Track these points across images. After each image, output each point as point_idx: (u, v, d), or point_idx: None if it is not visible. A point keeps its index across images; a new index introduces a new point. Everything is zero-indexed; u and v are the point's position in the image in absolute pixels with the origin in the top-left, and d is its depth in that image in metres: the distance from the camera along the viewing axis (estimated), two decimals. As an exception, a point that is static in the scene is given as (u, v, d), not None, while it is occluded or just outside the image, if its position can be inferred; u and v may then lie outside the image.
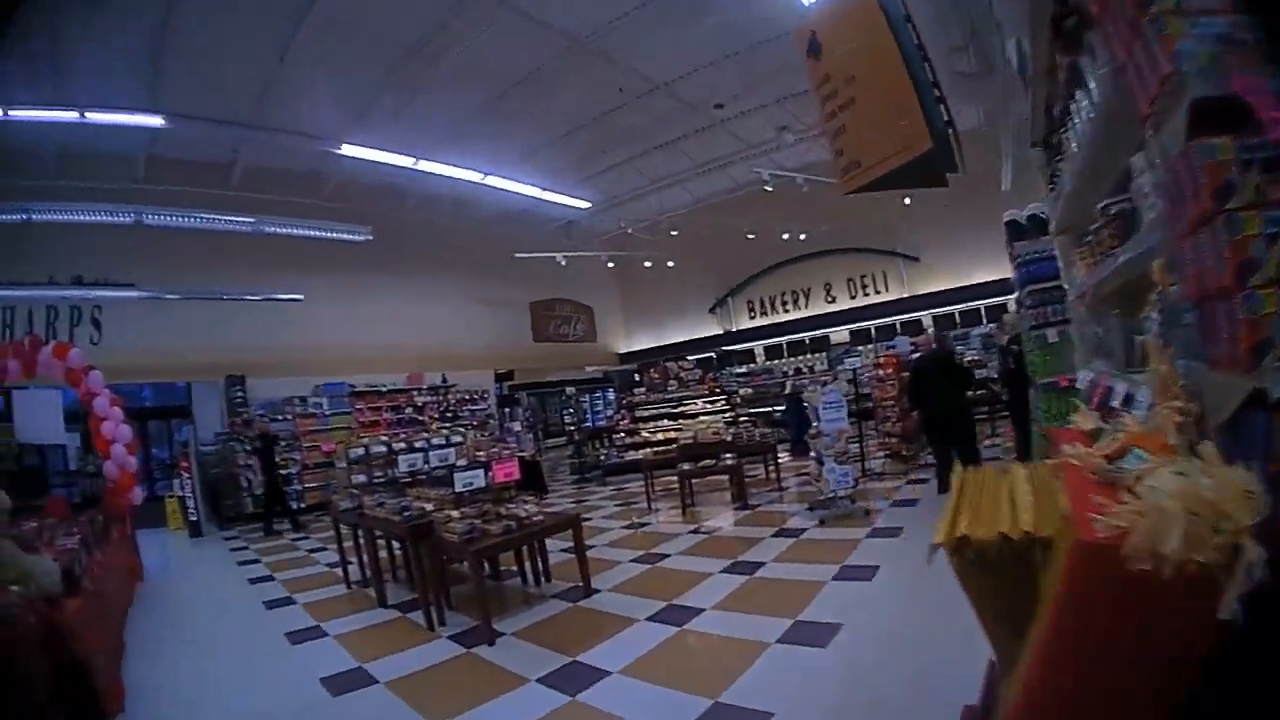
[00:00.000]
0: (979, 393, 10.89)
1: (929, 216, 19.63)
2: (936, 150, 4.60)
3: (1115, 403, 2.26)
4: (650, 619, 5.48)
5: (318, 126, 13.69)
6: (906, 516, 7.86)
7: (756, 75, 14.35)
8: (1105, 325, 3.01)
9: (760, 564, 6.64)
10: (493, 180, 16.55)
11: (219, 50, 10.99)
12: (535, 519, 6.07)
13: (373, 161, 14.51)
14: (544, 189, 17.96)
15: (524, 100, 14.16)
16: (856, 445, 10.11)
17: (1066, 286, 3.64)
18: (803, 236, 21.03)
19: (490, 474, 6.84)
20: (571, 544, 6.36)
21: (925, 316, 20.52)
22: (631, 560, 7.51)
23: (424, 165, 15.00)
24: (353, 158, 14.35)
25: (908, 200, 18.72)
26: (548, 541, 6.75)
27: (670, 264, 22.79)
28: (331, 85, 12.56)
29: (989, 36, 10.96)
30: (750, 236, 21.34)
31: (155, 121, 11.67)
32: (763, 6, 11.04)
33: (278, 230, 14.35)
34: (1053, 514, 1.42)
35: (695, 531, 8.59)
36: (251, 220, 13.84)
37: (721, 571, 6.56)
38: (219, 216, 13.51)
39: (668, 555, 7.54)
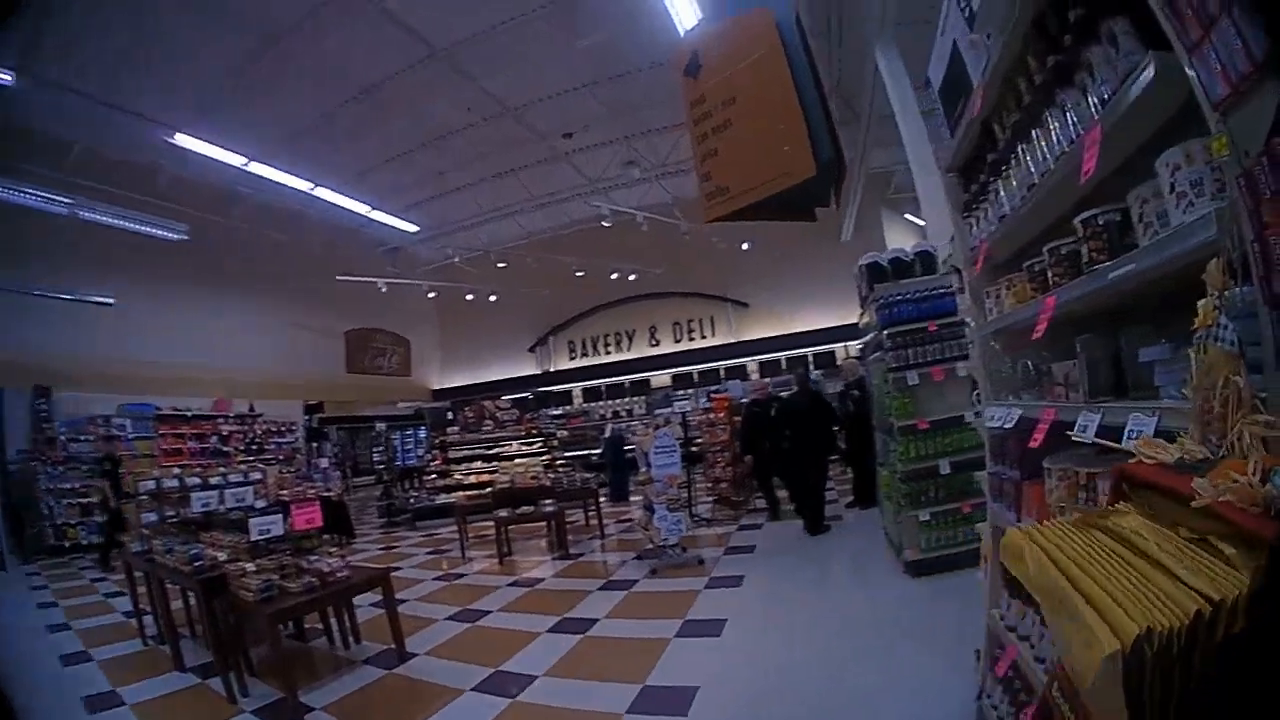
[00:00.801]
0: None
1: (763, 264, 20.14)
2: (819, 179, 4.23)
3: (1082, 438, 2.01)
4: (476, 689, 4.69)
5: (158, 112, 12.04)
6: (745, 564, 7.51)
7: (611, 108, 14.16)
8: (1037, 357, 2.76)
9: (592, 620, 5.99)
10: (322, 192, 15.23)
11: (78, 19, 9.63)
12: (340, 575, 5.20)
13: (206, 157, 12.90)
14: (374, 208, 16.76)
15: (369, 110, 13.22)
16: (685, 491, 9.78)
17: (971, 323, 3.36)
18: (632, 277, 20.80)
19: (289, 520, 5.78)
20: (380, 595, 5.50)
21: (751, 362, 20.89)
22: (448, 618, 6.64)
23: (255, 167, 13.59)
24: (190, 152, 12.71)
25: (746, 245, 19.06)
26: (356, 593, 5.87)
27: (493, 298, 21.87)
28: (180, 70, 11.17)
29: (859, 83, 11.28)
30: (579, 274, 20.91)
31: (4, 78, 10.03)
32: (636, 36, 10.79)
33: (93, 217, 12.66)
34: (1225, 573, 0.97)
35: (515, 584, 7.85)
36: (69, 200, 12.11)
37: (550, 630, 5.86)
38: (29, 191, 11.69)
39: (488, 612, 6.74)
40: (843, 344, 19.67)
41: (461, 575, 8.73)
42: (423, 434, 18.58)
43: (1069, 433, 2.10)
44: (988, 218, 3.01)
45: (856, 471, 9.89)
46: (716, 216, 4.58)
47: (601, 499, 11.23)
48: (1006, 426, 2.86)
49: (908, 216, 19.19)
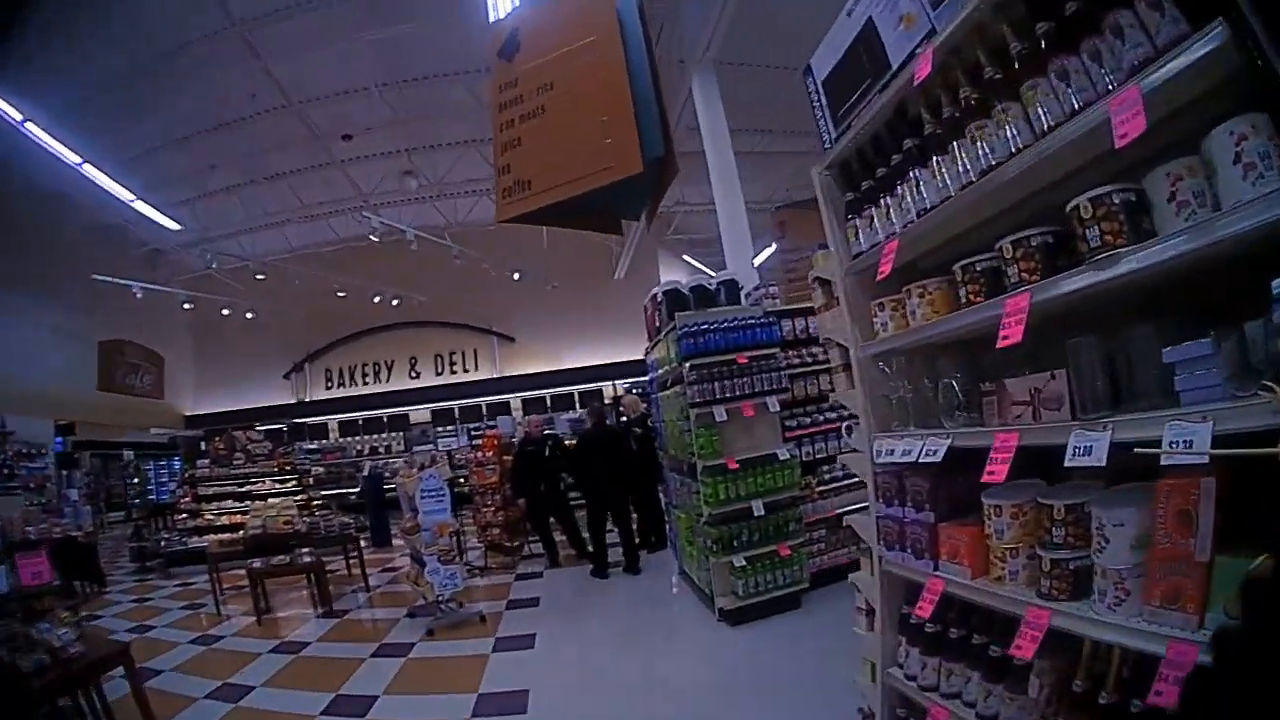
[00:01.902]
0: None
1: (532, 297, 19.73)
2: (644, 180, 3.73)
3: (1083, 463, 1.79)
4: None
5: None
6: (534, 620, 6.80)
7: (397, 115, 13.43)
8: (955, 378, 2.48)
9: (371, 699, 5.03)
10: (90, 171, 12.99)
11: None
12: (73, 652, 4.09)
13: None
14: (138, 196, 14.51)
15: (157, 81, 11.55)
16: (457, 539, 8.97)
17: (846, 344, 3.00)
18: (395, 303, 19.50)
19: (15, 574, 4.35)
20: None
21: (515, 399, 20.14)
22: (209, 695, 5.40)
23: (31, 127, 11.36)
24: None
25: (517, 275, 18.56)
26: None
27: (250, 315, 19.58)
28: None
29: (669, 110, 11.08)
30: (341, 295, 19.23)
31: None
32: (438, 40, 10.52)
33: None
34: None
35: (278, 650, 6.62)
36: None
37: (324, 713, 4.82)
38: None
39: (252, 688, 5.53)
40: (610, 383, 19.61)
41: (219, 637, 7.38)
42: (178, 465, 16.13)
43: (1076, 460, 1.81)
44: (890, 216, 2.66)
45: (642, 513, 9.53)
46: (511, 216, 3.92)
47: (363, 543, 10.12)
48: (925, 460, 2.49)
49: (686, 258, 19.63)
